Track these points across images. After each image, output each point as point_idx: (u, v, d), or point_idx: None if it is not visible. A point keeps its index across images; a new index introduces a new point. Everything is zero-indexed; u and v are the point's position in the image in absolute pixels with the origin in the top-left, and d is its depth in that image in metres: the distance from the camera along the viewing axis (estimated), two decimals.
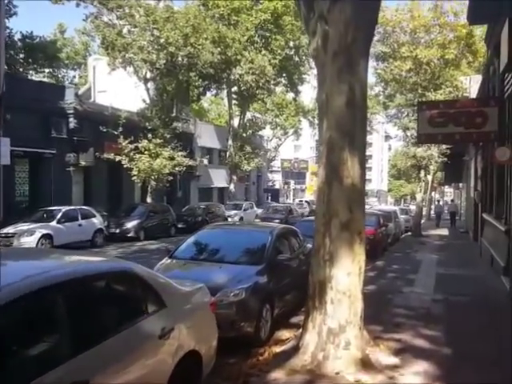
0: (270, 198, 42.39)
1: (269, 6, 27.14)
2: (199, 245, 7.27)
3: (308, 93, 78.87)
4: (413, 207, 33.07)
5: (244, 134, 31.80)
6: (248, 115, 45.13)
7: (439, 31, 22.05)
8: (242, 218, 27.40)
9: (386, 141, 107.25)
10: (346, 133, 5.22)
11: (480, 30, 22.55)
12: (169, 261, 6.89)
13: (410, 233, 25.11)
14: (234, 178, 32.33)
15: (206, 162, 32.29)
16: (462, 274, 11.86)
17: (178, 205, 26.85)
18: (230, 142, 31.27)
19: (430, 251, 17.09)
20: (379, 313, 7.45)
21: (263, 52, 26.75)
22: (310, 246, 7.18)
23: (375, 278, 11.07)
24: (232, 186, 32.24)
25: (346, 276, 5.19)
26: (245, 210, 29.25)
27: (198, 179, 32.17)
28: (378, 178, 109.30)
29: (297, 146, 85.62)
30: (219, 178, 34.67)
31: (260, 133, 47.72)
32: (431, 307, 8.01)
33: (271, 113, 46.19)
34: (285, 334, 6.72)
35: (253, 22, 26.41)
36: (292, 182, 56.70)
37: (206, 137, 33.20)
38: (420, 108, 11.09)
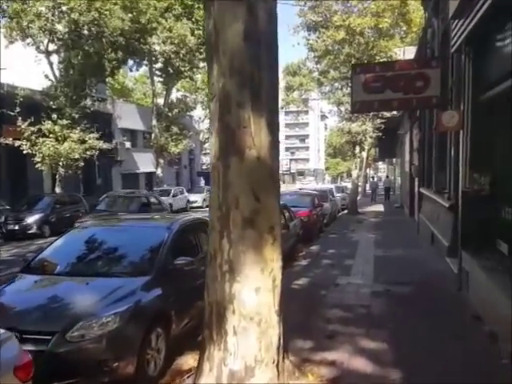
0: (204, 181, 40.34)
1: None
2: (65, 251, 5.36)
3: None
4: (348, 184, 32.37)
5: (170, 114, 29.43)
6: (177, 94, 42.77)
7: None
8: (171, 205, 25.32)
9: (323, 120, 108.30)
10: (246, 81, 3.52)
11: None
12: (18, 276, 4.95)
13: (346, 211, 24.23)
14: (162, 161, 30.02)
15: (128, 145, 29.68)
16: (402, 255, 10.73)
17: (99, 194, 24.36)
18: (154, 122, 28.87)
19: (367, 230, 16.05)
20: (310, 318, 5.95)
21: (184, 21, 24.43)
22: None
23: (308, 267, 9.65)
24: (159, 171, 29.94)
25: (254, 293, 3.55)
26: (174, 195, 27.13)
27: (121, 164, 29.54)
28: (315, 157, 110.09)
29: None
30: (145, 163, 32.08)
31: (191, 113, 45.51)
32: (371, 304, 6.62)
33: (202, 92, 43.89)
34: (189, 359, 5.03)
35: None
36: None
37: (128, 118, 30.51)
38: (354, 71, 9.62)
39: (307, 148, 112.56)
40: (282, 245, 3.87)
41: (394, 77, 9.39)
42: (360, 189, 43.77)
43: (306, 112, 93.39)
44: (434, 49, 11.78)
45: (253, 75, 3.55)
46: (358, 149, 23.16)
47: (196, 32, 25.27)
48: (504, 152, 6.68)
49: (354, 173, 24.12)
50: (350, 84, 10.92)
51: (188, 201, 29.30)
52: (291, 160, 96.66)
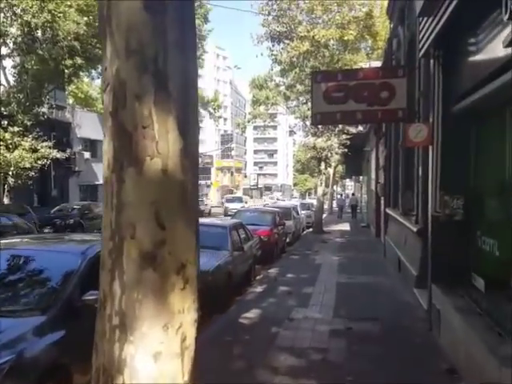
0: None
1: None
2: None
3: (208, 81, 76.37)
4: (315, 201, 31.84)
5: None
6: None
7: (338, 10, 20.40)
8: None
9: (291, 135, 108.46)
10: (147, 64, 2.53)
11: (379, 10, 21.36)
12: None
13: (311, 229, 23.46)
14: None
15: (87, 155, 28.23)
16: (367, 282, 9.89)
17: (54, 206, 22.90)
18: None
19: (331, 251, 15.23)
20: (252, 368, 4.94)
21: None
22: None
23: (263, 295, 8.67)
24: None
25: (153, 360, 2.52)
26: None
27: (79, 175, 28.04)
28: (283, 172, 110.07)
29: (201, 141, 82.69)
30: None
31: None
32: (329, 347, 5.67)
33: None
34: None
35: None
36: None
37: (89, 127, 29.09)
38: (314, 79, 8.81)
39: (275, 163, 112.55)
40: (213, 287, 2.89)
41: (357, 86, 8.63)
42: (327, 206, 43.49)
43: (275, 127, 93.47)
44: (400, 59, 11.18)
45: (156, 57, 2.56)
46: (323, 165, 22.50)
47: None
48: (479, 171, 5.93)
49: (320, 190, 23.43)
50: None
51: None
52: (259, 175, 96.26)
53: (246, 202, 41.72)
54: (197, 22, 27.76)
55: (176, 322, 2.60)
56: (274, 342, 5.73)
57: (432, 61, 6.51)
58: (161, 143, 2.55)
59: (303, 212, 25.01)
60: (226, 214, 30.75)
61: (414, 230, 8.54)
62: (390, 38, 13.25)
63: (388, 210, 13.40)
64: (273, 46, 21.58)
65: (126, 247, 2.57)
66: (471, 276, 5.99)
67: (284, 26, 20.57)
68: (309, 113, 22.48)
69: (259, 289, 9.26)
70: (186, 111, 2.71)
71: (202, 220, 13.23)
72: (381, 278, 10.26)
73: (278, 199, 53.23)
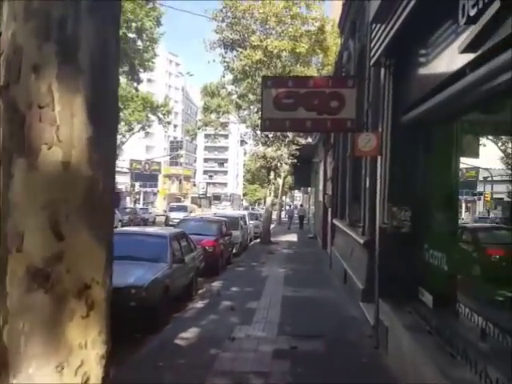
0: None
1: None
2: None
3: (159, 87, 75.02)
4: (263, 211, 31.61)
5: None
6: None
7: (291, 22, 20.39)
8: None
9: (242, 145, 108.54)
10: (49, 28, 2.04)
11: (331, 25, 21.57)
12: None
13: (259, 240, 23.13)
14: None
15: None
16: (313, 296, 9.60)
17: None
18: None
19: (278, 263, 14.92)
20: None
21: None
22: None
23: (204, 311, 8.15)
24: None
25: None
26: None
27: None
28: (233, 182, 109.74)
29: (149, 147, 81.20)
30: None
31: None
32: (272, 371, 5.23)
33: None
34: None
35: None
36: (137, 184, 52.12)
37: None
38: (265, 84, 8.50)
39: (226, 172, 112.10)
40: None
41: (307, 94, 8.40)
42: (275, 216, 43.47)
43: (226, 136, 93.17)
44: (350, 71, 11.11)
45: (64, 21, 2.07)
46: (272, 175, 22.29)
47: None
48: (427, 183, 5.75)
49: (268, 200, 23.20)
50: None
51: None
52: (209, 184, 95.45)
53: (191, 212, 40.67)
54: (149, 24, 27.10)
55: (75, 360, 2.08)
56: (212, 367, 5.21)
57: (383, 70, 6.34)
58: (63, 128, 2.05)
59: (251, 222, 24.65)
60: (167, 224, 29.44)
61: (361, 241, 8.35)
62: (341, 50, 13.23)
63: (335, 221, 13.27)
64: (225, 53, 21.28)
65: (10, 263, 2.04)
66: (419, 290, 5.79)
67: (237, 34, 20.33)
68: (260, 122, 22.35)
69: (200, 304, 8.73)
70: (101, 94, 2.21)
71: (139, 229, 12.51)
72: (327, 290, 10.01)
73: (222, 209, 52.81)
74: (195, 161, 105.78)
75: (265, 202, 79.66)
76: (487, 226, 9.26)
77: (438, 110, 5.08)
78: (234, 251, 16.59)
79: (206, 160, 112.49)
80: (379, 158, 6.34)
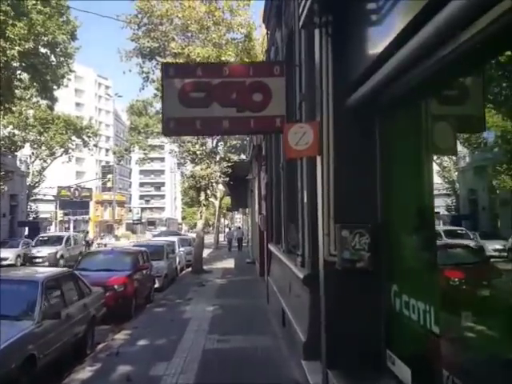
0: (27, 233, 33.57)
1: None
2: None
3: (88, 111, 71.14)
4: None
5: None
6: (4, 131, 36.09)
7: (214, 29, 18.54)
8: None
9: (179, 167, 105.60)
10: None
11: (259, 33, 20.04)
12: None
13: (191, 268, 20.70)
14: None
15: None
16: (243, 347, 7.42)
17: None
18: None
19: (207, 298, 12.64)
20: None
21: None
22: None
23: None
24: None
25: None
26: None
27: None
28: (171, 206, 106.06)
29: (79, 173, 76.52)
30: None
31: (19, 153, 38.84)
32: None
33: (33, 129, 37.84)
34: None
35: None
36: (61, 212, 47.86)
37: None
38: (166, 73, 6.39)
39: (163, 196, 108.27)
40: None
41: (223, 85, 6.40)
42: (213, 240, 41.02)
43: (162, 159, 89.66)
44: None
45: None
46: (203, 196, 20.06)
47: (9, 52, 20.53)
48: (392, 192, 3.85)
49: (199, 224, 20.87)
50: None
51: None
52: (145, 209, 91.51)
53: (89, 243, 35.70)
54: (63, 37, 24.36)
55: None
56: None
57: (317, 33, 4.43)
58: None
59: (182, 249, 22.11)
60: (27, 264, 22.77)
61: (300, 275, 6.34)
62: (268, 47, 11.48)
63: (270, 246, 11.28)
64: (143, 62, 19.04)
65: None
66: (386, 356, 3.82)
67: (155, 42, 18.19)
68: (185, 137, 20.17)
69: (88, 372, 6.32)
70: None
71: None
72: (261, 338, 7.88)
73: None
74: (130, 185, 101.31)
75: (206, 225, 76.72)
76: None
77: (397, 83, 3.25)
78: (156, 286, 14.11)
79: (141, 184, 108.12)
80: (319, 158, 4.39)
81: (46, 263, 21.78)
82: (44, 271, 7.66)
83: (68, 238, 26.21)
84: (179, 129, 6.58)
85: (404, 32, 3.03)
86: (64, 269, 8.51)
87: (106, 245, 36.38)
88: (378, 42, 3.65)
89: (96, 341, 8.04)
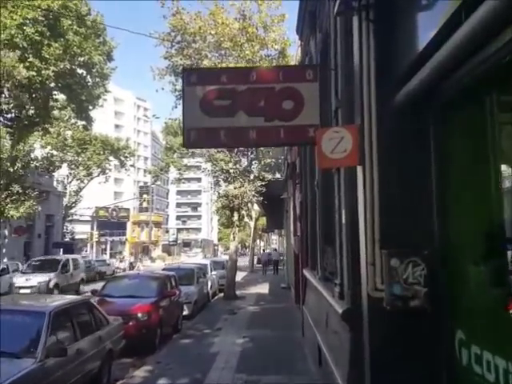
0: (61, 253, 33.70)
1: (41, 3, 20.56)
2: None
3: (127, 132, 72.51)
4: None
5: (11, 169, 23.61)
6: (42, 152, 36.89)
7: (249, 45, 18.10)
8: None
9: (214, 187, 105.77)
10: None
11: (294, 49, 19.44)
12: None
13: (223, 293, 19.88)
14: None
15: None
16: None
17: None
18: None
19: (238, 329, 11.79)
20: None
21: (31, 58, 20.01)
22: None
23: None
24: None
25: None
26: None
27: None
28: (208, 227, 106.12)
29: (118, 193, 77.72)
30: None
31: (57, 173, 39.50)
32: None
33: (71, 150, 38.55)
34: None
35: (13, 19, 19.60)
36: (97, 232, 48.27)
37: None
38: (187, 80, 5.78)
39: (200, 217, 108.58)
40: None
41: (249, 92, 5.71)
42: (248, 263, 40.10)
43: (199, 179, 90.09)
44: None
45: None
46: (236, 216, 19.39)
47: (44, 72, 20.79)
48: (449, 213, 3.00)
49: (232, 245, 20.13)
50: None
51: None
52: (181, 229, 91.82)
53: (133, 266, 35.68)
54: (99, 58, 24.62)
55: None
56: None
57: (356, 21, 3.68)
58: None
59: (215, 272, 21.34)
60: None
61: (338, 309, 5.45)
62: (302, 58, 10.81)
63: (305, 272, 10.39)
64: (176, 80, 18.78)
65: None
66: None
67: (188, 59, 17.91)
68: (218, 155, 19.66)
69: None
70: None
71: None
72: (295, 379, 6.97)
73: (192, 256, 48.84)
74: (167, 206, 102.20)
75: (242, 246, 75.05)
76: None
77: (456, 73, 2.47)
78: (185, 313, 13.39)
79: (178, 205, 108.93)
80: (360, 169, 3.59)
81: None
82: (55, 300, 7.04)
83: (66, 263, 21.88)
84: (201, 141, 5.93)
85: (464, 5, 2.27)
86: (78, 297, 7.88)
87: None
88: (430, 22, 2.88)
89: (114, 377, 7.35)
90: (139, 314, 9.68)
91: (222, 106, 5.74)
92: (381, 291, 3.31)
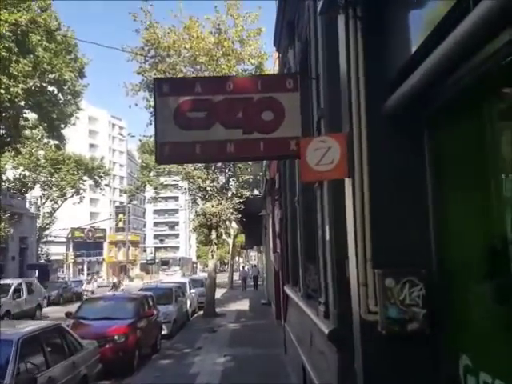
0: (37, 276, 32.54)
1: (8, 18, 20.01)
2: None
3: (102, 152, 71.45)
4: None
5: None
6: (14, 172, 35.90)
7: (225, 59, 17.91)
8: None
9: (192, 205, 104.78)
10: None
11: (271, 64, 19.41)
12: None
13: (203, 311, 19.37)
14: None
15: None
16: None
17: None
18: None
19: (218, 347, 11.38)
20: None
21: None
22: None
23: None
24: None
25: None
26: None
27: None
28: (186, 245, 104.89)
29: (94, 213, 76.26)
30: None
31: (29, 194, 38.45)
32: None
33: (43, 170, 37.60)
34: None
35: None
36: (72, 253, 46.94)
37: None
38: (159, 90, 5.47)
39: (177, 235, 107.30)
40: None
41: (226, 103, 5.44)
42: (227, 279, 39.55)
43: (176, 198, 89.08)
44: None
45: None
46: (214, 234, 18.98)
47: (13, 89, 20.18)
48: (447, 227, 2.75)
49: (211, 263, 19.67)
50: None
51: None
52: (159, 248, 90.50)
53: (116, 286, 34.14)
54: (70, 75, 24.08)
55: None
56: None
57: (342, 18, 3.44)
58: None
59: (194, 290, 20.80)
60: None
61: (324, 329, 5.15)
62: (280, 70, 10.64)
63: (286, 289, 10.07)
64: (150, 96, 18.42)
65: None
66: None
67: (162, 74, 17.61)
68: (195, 172, 19.28)
69: None
70: None
71: None
72: None
73: (171, 274, 47.79)
74: (144, 225, 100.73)
75: (221, 263, 74.06)
76: None
77: (452, 76, 2.26)
78: (164, 332, 12.91)
79: (156, 224, 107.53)
80: (348, 182, 3.32)
81: None
82: (24, 326, 6.53)
83: (18, 288, 19.91)
84: (176, 155, 5.60)
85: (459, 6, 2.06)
86: (49, 322, 7.36)
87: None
88: (422, 22, 2.66)
89: None
90: (116, 336, 9.26)
91: (197, 117, 5.44)
92: (375, 314, 3.03)
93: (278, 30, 9.67)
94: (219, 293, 25.54)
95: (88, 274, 56.25)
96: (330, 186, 4.58)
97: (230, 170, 19.79)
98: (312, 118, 5.74)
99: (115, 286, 36.84)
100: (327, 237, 5.15)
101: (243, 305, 22.62)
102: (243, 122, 5.43)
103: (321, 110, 5.31)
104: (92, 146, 79.02)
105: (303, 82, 5.76)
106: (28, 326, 6.37)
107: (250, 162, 19.73)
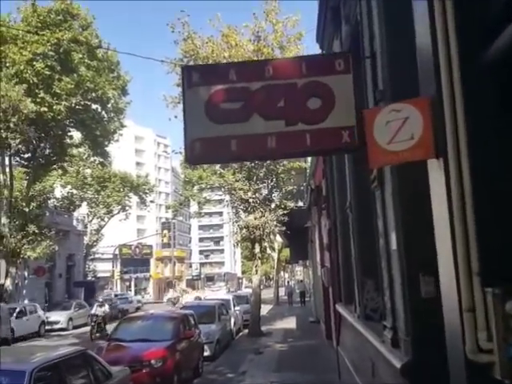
0: (84, 294, 32.57)
1: (50, 38, 20.27)
2: None
3: (147, 169, 72.62)
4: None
5: (26, 209, 22.98)
6: (63, 191, 36.55)
7: None
8: (12, 331, 17.85)
9: (235, 219, 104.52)
10: None
11: None
12: None
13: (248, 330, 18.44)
14: (14, 270, 22.90)
15: None
16: None
17: None
18: (3, 220, 22.19)
19: (264, 372, 10.43)
20: None
21: (42, 94, 19.57)
22: None
23: None
24: (9, 282, 22.57)
25: None
26: (19, 316, 19.58)
27: None
28: (231, 260, 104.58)
29: (140, 230, 77.18)
30: None
31: (77, 212, 39.02)
32: None
33: (90, 188, 38.13)
34: None
35: (23, 55, 19.30)
36: (118, 270, 47.26)
37: None
38: (188, 80, 4.71)
39: (222, 250, 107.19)
40: None
41: (265, 91, 4.60)
42: (273, 295, 38.46)
43: (221, 213, 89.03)
44: None
45: None
46: (257, 247, 18.13)
47: (56, 107, 20.33)
48: None
49: (255, 279, 18.76)
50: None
51: (44, 322, 21.80)
52: (204, 264, 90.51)
53: (174, 303, 34.35)
54: (113, 92, 24.16)
55: None
56: None
57: None
58: None
59: (238, 307, 19.92)
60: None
61: (393, 361, 4.16)
62: None
63: (339, 308, 9.03)
64: None
65: None
66: None
67: None
68: (237, 184, 18.58)
69: None
70: None
71: None
72: None
73: (216, 290, 46.92)
74: (190, 241, 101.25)
75: (266, 279, 72.80)
76: None
77: None
78: (207, 353, 12.09)
79: (201, 239, 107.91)
80: (436, 165, 2.38)
81: None
82: (41, 353, 5.81)
83: (21, 312, 19.71)
84: (208, 153, 4.80)
85: None
86: (72, 348, 6.65)
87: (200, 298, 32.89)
88: None
89: None
90: (153, 361, 8.52)
91: (231, 109, 4.62)
92: (489, 353, 2.06)
93: (322, 20, 8.81)
94: (265, 309, 24.59)
95: (135, 291, 56.59)
96: (395, 180, 3.65)
97: (272, 180, 18.96)
98: (367, 104, 4.83)
99: (173, 303, 35.38)
100: (393, 246, 4.19)
101: (290, 323, 21.52)
102: (286, 112, 4.56)
103: (379, 92, 4.40)
104: (138, 164, 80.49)
105: (354, 65, 4.86)
106: (46, 353, 5.66)
107: (293, 172, 18.81)
